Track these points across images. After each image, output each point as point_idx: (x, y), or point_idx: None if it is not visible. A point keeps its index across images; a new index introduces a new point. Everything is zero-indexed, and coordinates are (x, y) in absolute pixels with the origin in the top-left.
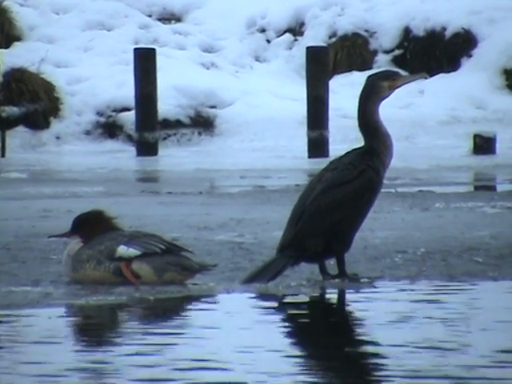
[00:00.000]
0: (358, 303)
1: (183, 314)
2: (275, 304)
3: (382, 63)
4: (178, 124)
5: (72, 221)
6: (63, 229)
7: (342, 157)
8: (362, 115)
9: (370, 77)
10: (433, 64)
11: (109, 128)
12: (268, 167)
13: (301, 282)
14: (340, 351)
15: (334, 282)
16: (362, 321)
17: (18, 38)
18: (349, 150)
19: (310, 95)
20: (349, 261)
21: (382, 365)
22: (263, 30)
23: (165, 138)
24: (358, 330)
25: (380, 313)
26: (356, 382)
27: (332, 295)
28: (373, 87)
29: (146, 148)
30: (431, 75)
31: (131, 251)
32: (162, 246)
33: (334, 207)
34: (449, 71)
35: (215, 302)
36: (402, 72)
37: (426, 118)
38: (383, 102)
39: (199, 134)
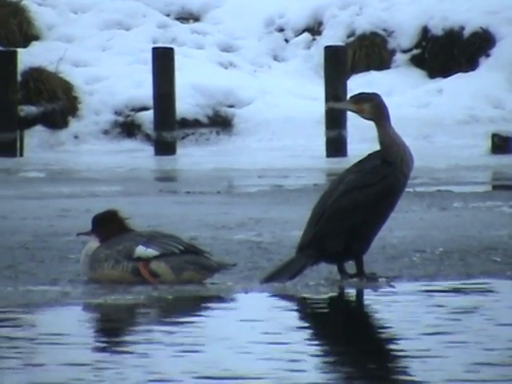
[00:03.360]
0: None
1: (202, 313)
2: (293, 304)
3: (400, 63)
4: (196, 123)
5: (91, 221)
6: (84, 228)
7: (364, 159)
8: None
9: None
10: (451, 63)
11: (127, 127)
12: (286, 167)
13: (319, 281)
14: (358, 350)
15: (352, 281)
16: (380, 320)
17: (37, 38)
18: (367, 151)
19: (328, 94)
20: (367, 260)
21: (403, 363)
22: (281, 30)
23: (183, 138)
24: (377, 329)
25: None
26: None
27: (350, 294)
28: None
29: (164, 147)
30: (449, 75)
31: (150, 252)
32: (181, 247)
33: (355, 209)
34: (467, 71)
35: (233, 302)
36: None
37: (444, 118)
38: (400, 102)
39: (217, 133)
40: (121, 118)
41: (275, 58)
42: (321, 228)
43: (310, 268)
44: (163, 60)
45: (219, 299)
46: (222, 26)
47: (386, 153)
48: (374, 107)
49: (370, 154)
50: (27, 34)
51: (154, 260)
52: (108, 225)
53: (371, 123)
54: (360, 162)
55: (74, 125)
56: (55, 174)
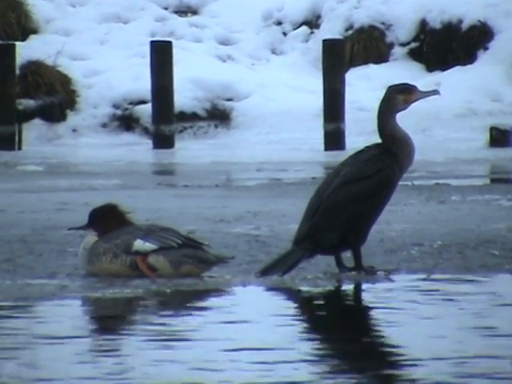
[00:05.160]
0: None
1: (200, 306)
2: (291, 297)
3: (399, 56)
4: (194, 117)
5: (88, 214)
6: (82, 222)
7: (360, 152)
8: (380, 126)
9: (389, 88)
10: (449, 57)
11: (125, 121)
12: (284, 160)
13: (317, 274)
14: (356, 344)
15: (350, 274)
16: (378, 314)
17: (35, 31)
18: (367, 144)
19: (326, 88)
20: (365, 253)
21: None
22: (279, 23)
23: (181, 131)
24: (375, 323)
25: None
26: (373, 374)
27: (348, 288)
28: (389, 99)
29: (163, 141)
30: (447, 68)
31: (148, 245)
32: (179, 241)
33: (351, 202)
34: (465, 64)
35: (231, 295)
36: (419, 86)
37: (442, 111)
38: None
39: (215, 126)
40: (119, 112)
41: (273, 52)
42: (317, 221)
43: (306, 261)
44: (161, 53)
45: (217, 292)
46: (220, 20)
47: (396, 143)
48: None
49: (366, 147)
50: (25, 28)
51: (152, 254)
52: (107, 219)
53: (370, 116)
54: (355, 154)
55: (72, 118)
56: (53, 168)
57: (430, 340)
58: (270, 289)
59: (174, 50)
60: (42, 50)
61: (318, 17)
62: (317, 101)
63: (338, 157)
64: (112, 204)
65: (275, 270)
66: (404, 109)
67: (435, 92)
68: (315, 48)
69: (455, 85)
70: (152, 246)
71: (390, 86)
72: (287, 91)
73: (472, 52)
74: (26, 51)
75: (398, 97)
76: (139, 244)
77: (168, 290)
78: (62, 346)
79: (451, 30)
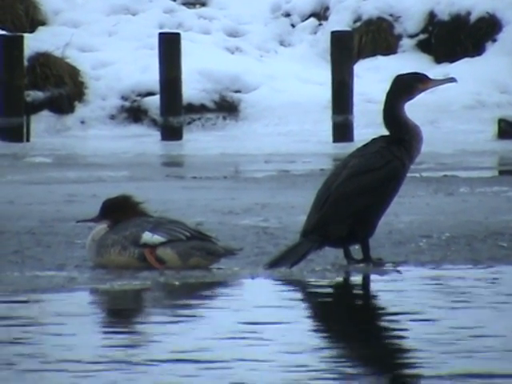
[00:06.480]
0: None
1: (208, 298)
2: (299, 288)
3: (407, 48)
4: (202, 108)
5: (100, 206)
6: (90, 214)
7: (368, 144)
8: (390, 113)
9: (401, 76)
10: (457, 48)
11: (133, 112)
12: (293, 152)
13: (325, 266)
14: (364, 336)
15: (358, 266)
16: (386, 306)
17: (43, 23)
18: (374, 136)
19: (334, 80)
20: (373, 245)
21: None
22: (288, 15)
23: (189, 123)
24: (383, 315)
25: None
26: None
27: (357, 280)
28: (407, 87)
29: (171, 132)
30: (455, 60)
31: (156, 238)
32: (187, 234)
33: (359, 194)
34: (473, 56)
35: (240, 287)
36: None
37: (450, 103)
38: None
39: (224, 118)
40: (127, 103)
41: (282, 43)
42: (325, 213)
43: (314, 253)
44: (170, 45)
45: (225, 284)
46: (229, 11)
47: (410, 132)
48: None
49: (373, 139)
50: (34, 19)
51: (161, 246)
52: (121, 210)
53: (378, 107)
54: (364, 146)
55: (81, 110)
56: (62, 159)
57: (438, 333)
58: (278, 281)
59: (183, 42)
60: (51, 42)
61: (327, 8)
62: (325, 92)
63: (347, 148)
64: (126, 195)
65: (283, 262)
66: (415, 97)
67: (451, 80)
68: (323, 40)
69: (463, 77)
70: (160, 238)
71: (401, 75)
72: (295, 83)
73: (480, 44)
74: (34, 43)
75: (417, 85)
76: (147, 236)
77: (176, 282)
78: (73, 335)
79: (459, 21)
